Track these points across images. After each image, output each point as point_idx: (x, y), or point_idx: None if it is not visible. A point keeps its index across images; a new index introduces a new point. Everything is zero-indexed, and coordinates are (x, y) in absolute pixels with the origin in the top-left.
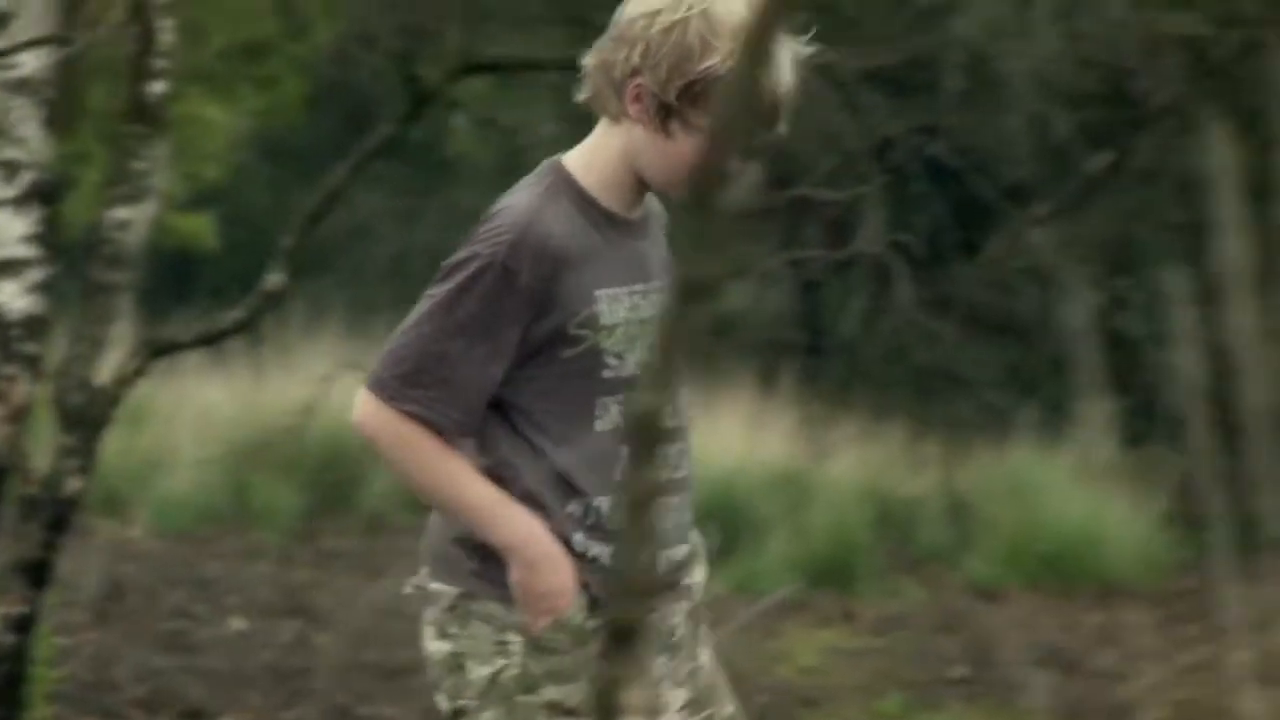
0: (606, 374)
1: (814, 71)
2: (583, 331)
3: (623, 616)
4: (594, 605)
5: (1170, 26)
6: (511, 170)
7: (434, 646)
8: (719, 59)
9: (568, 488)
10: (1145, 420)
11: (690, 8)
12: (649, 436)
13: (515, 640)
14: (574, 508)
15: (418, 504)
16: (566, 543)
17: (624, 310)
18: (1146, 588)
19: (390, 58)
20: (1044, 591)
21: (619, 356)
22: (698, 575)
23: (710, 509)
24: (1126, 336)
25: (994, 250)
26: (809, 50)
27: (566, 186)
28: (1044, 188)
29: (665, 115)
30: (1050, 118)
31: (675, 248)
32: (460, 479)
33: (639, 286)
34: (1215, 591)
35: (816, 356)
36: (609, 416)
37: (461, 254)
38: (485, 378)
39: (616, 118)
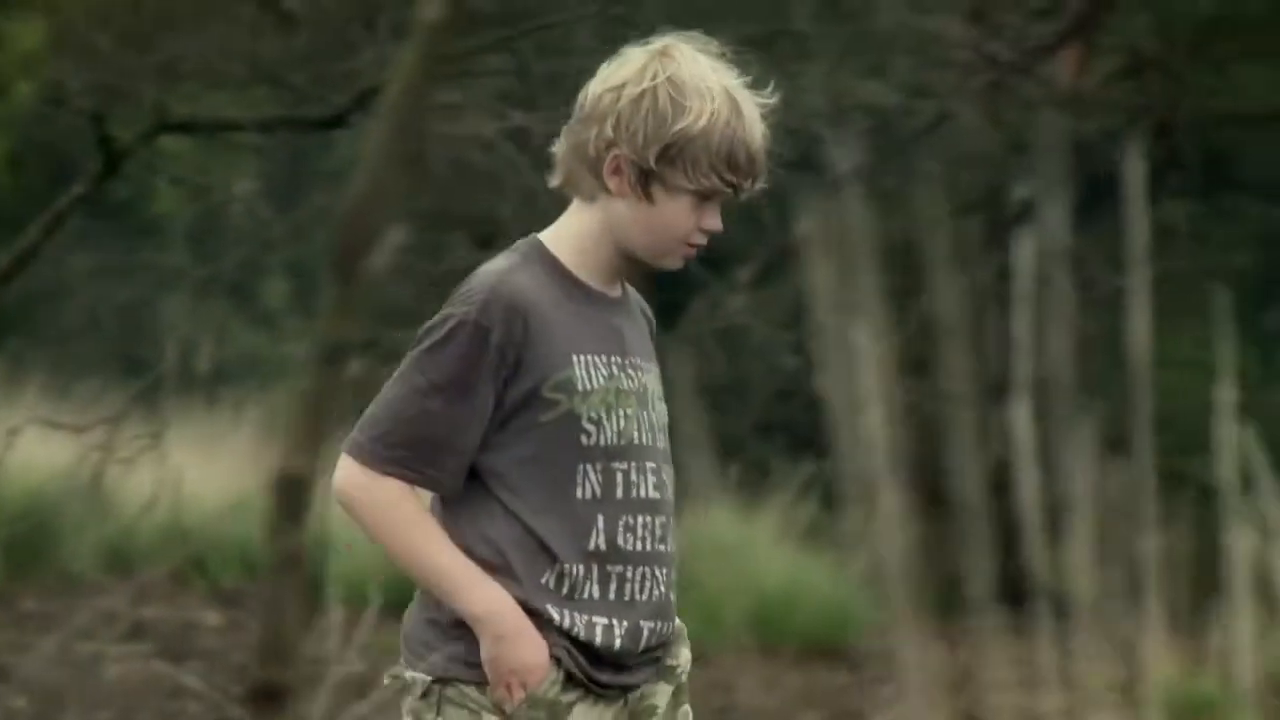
0: (585, 440)
1: (506, 135)
2: (557, 395)
3: (271, 676)
4: (568, 679)
5: (862, 95)
6: (210, 230)
7: None
8: (691, 118)
9: (545, 556)
10: (843, 481)
11: (655, 76)
12: (295, 498)
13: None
14: (548, 577)
15: (115, 562)
16: (538, 614)
17: (601, 377)
18: (845, 648)
19: (83, 117)
20: (746, 652)
21: (596, 423)
22: (683, 656)
23: None
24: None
25: (695, 314)
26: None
27: (540, 257)
28: (743, 253)
29: (646, 182)
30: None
31: (321, 312)
32: (434, 545)
33: (616, 358)
34: (906, 652)
35: None
36: (588, 485)
37: (436, 317)
38: (465, 439)
39: (592, 196)
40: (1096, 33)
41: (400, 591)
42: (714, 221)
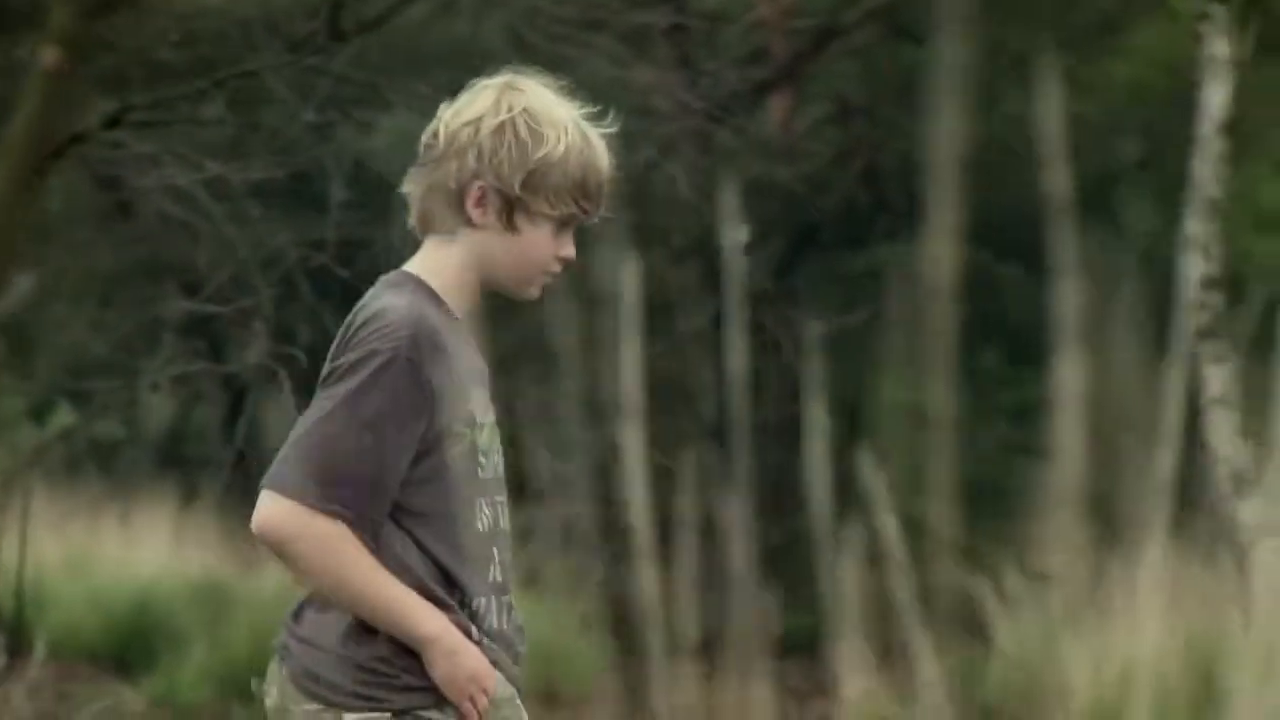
0: (481, 474)
1: (202, 185)
2: (463, 429)
3: None
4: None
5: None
6: None
7: None
8: (550, 146)
9: (457, 591)
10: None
11: (510, 108)
12: None
13: None
14: (465, 611)
15: None
16: (466, 635)
17: (486, 411)
18: (577, 692)
19: None
20: None
21: (486, 455)
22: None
23: (129, 621)
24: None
25: None
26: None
27: (428, 291)
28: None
29: (510, 211)
30: None
31: None
32: (378, 576)
33: (486, 392)
34: (638, 693)
35: (238, 469)
36: (483, 518)
37: (356, 353)
38: (395, 476)
39: (453, 231)
40: (803, 81)
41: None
42: (570, 249)
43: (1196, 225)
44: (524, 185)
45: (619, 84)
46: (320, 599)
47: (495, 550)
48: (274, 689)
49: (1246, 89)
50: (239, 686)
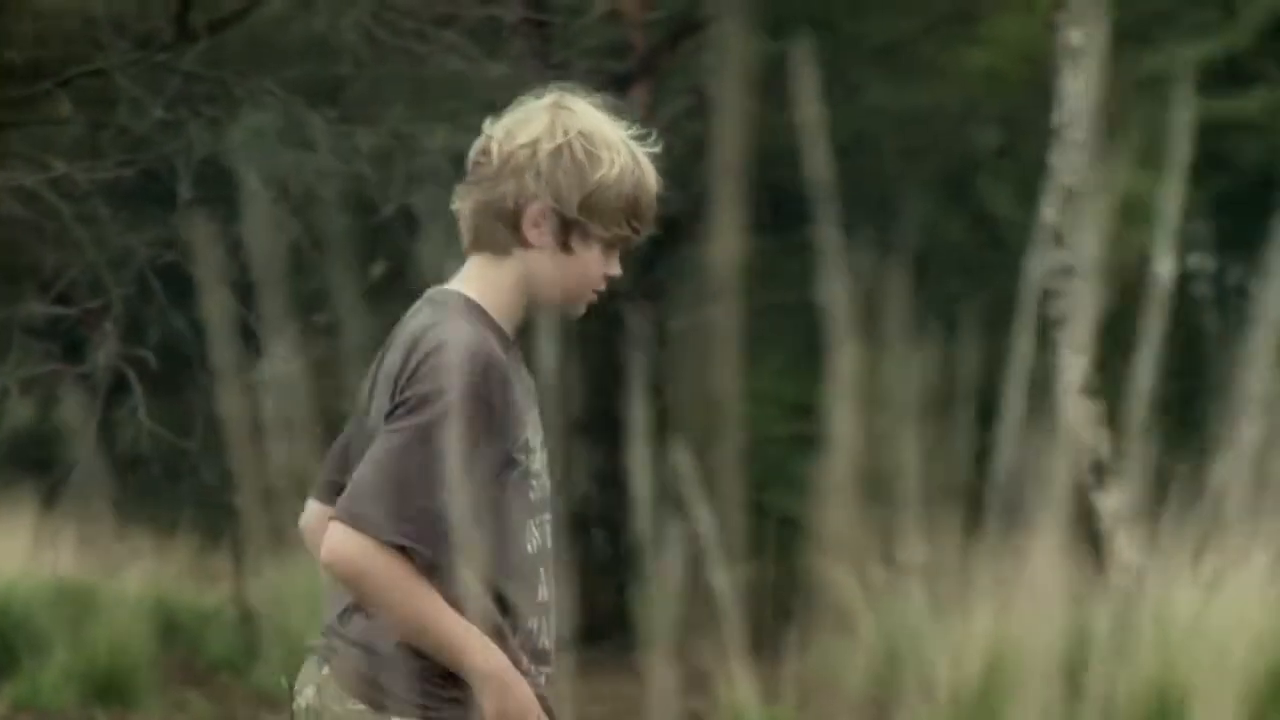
0: (533, 496)
1: (49, 185)
2: (520, 456)
3: None
4: None
5: (433, 140)
6: None
7: None
8: (605, 168)
9: (510, 614)
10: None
11: (566, 131)
12: None
13: None
14: (519, 635)
15: None
16: (519, 668)
17: (538, 433)
18: None
19: None
20: None
21: (538, 478)
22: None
23: None
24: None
25: (279, 359)
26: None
27: (483, 315)
28: (323, 298)
29: (566, 233)
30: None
31: None
32: (439, 607)
33: (537, 412)
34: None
35: (99, 472)
36: (533, 540)
37: (426, 386)
38: (458, 511)
39: (506, 250)
40: (662, 75)
41: None
42: (616, 268)
43: (1053, 213)
44: (581, 207)
45: (476, 80)
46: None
47: (542, 570)
48: (310, 689)
49: (1104, 78)
50: (101, 690)
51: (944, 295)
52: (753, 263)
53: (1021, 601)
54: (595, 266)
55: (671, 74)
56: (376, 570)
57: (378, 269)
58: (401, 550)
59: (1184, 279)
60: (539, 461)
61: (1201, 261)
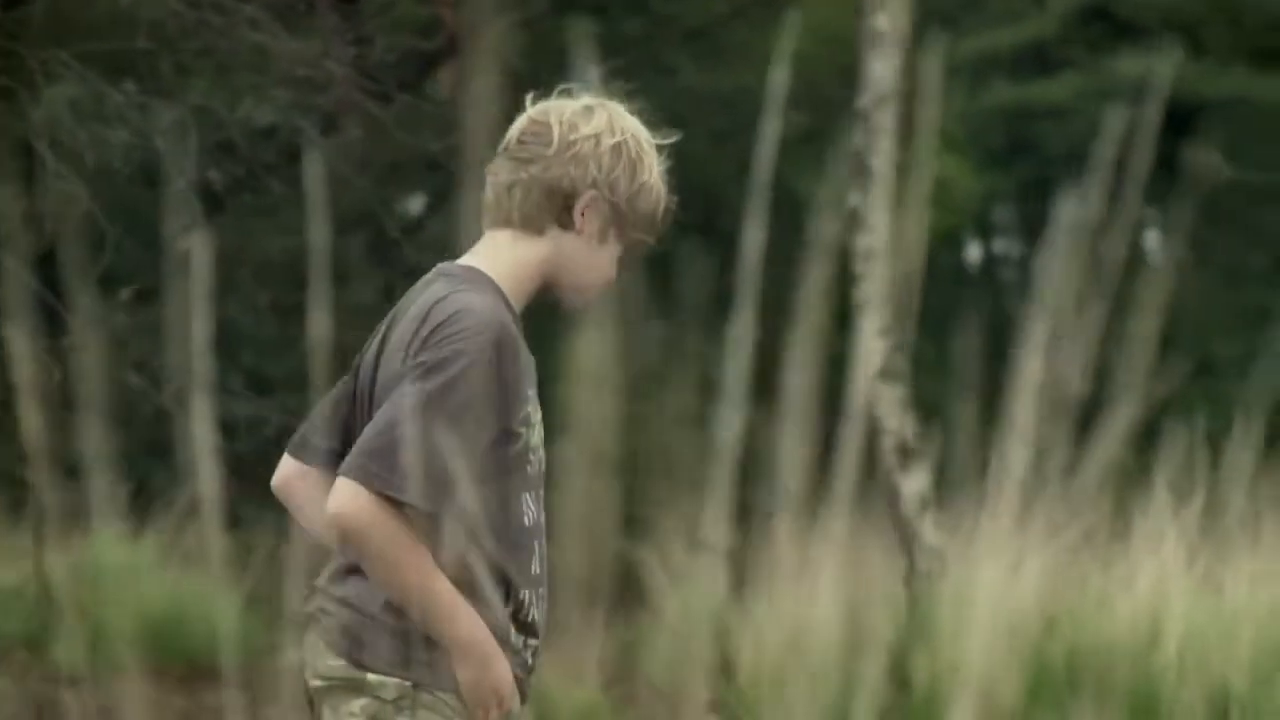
0: (530, 470)
1: None
2: (521, 429)
3: None
4: (522, 699)
5: (256, 115)
6: None
7: None
8: (648, 173)
9: (505, 584)
10: (252, 502)
11: (623, 130)
12: None
13: None
14: (509, 604)
15: None
16: (505, 640)
17: (537, 407)
18: (234, 669)
19: None
20: (131, 676)
21: (535, 452)
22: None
23: None
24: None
25: (76, 333)
26: None
27: (496, 290)
28: (136, 271)
29: (609, 224)
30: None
31: None
32: (434, 571)
33: (535, 389)
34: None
35: None
36: (528, 513)
37: (439, 352)
38: (466, 474)
39: (542, 229)
40: (476, 52)
41: None
42: (616, 272)
43: (859, 197)
44: (626, 204)
45: (280, 55)
46: (360, 569)
47: (536, 544)
48: (304, 653)
49: (910, 63)
50: None
51: (750, 277)
52: None
53: (824, 583)
54: (612, 264)
55: (481, 53)
56: (379, 527)
57: (180, 244)
58: (403, 510)
59: (990, 263)
60: (537, 436)
61: (1008, 246)
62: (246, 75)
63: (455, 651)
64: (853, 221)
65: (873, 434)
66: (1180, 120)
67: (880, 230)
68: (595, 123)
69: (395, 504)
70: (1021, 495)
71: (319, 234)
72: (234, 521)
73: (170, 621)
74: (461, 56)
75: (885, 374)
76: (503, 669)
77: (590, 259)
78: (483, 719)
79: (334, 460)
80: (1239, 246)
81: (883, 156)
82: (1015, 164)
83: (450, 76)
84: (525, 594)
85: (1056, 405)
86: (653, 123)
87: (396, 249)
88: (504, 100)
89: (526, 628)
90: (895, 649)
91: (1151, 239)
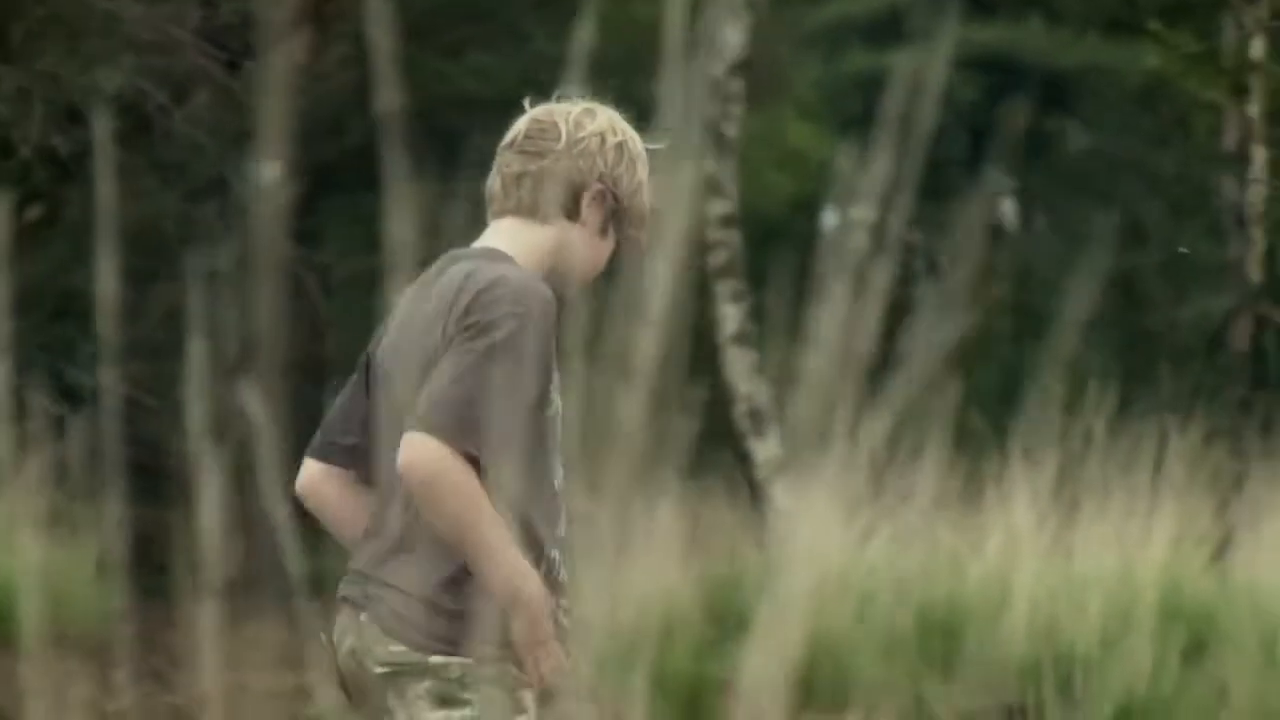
0: (557, 434)
1: None
2: (554, 394)
3: None
4: None
5: (103, 81)
6: None
7: (433, 716)
8: (642, 173)
9: (534, 542)
10: (93, 471)
11: (623, 132)
12: None
13: (528, 694)
14: (542, 564)
15: None
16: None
17: (560, 377)
18: (81, 636)
19: None
20: None
21: (560, 417)
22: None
23: None
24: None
25: None
26: None
27: (519, 266)
28: None
29: (610, 218)
30: None
31: None
32: (497, 526)
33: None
34: (156, 636)
35: None
36: (557, 475)
37: (491, 314)
38: (520, 431)
39: (548, 218)
40: (327, 20)
41: None
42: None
43: (711, 164)
44: (627, 200)
45: (128, 21)
46: (409, 548)
47: (563, 506)
48: (349, 637)
49: (763, 30)
50: None
51: None
52: (421, 211)
53: (675, 549)
54: (605, 259)
55: (333, 20)
56: (448, 475)
57: (31, 212)
58: (471, 462)
59: (847, 229)
60: (561, 403)
61: (863, 213)
62: (96, 41)
63: (516, 607)
64: (707, 188)
65: (726, 399)
66: (1038, 89)
67: (733, 196)
68: (599, 122)
69: (460, 457)
70: (871, 461)
71: (165, 201)
72: (91, 490)
73: (13, 588)
74: (314, 25)
75: (738, 339)
76: (549, 626)
77: (589, 250)
78: (534, 670)
79: (359, 456)
80: (1093, 213)
81: (734, 123)
82: (871, 132)
83: (302, 45)
84: (555, 553)
85: (850, 362)
86: (503, 91)
87: (247, 216)
88: (358, 69)
89: (556, 586)
90: (746, 614)
91: (1008, 206)
